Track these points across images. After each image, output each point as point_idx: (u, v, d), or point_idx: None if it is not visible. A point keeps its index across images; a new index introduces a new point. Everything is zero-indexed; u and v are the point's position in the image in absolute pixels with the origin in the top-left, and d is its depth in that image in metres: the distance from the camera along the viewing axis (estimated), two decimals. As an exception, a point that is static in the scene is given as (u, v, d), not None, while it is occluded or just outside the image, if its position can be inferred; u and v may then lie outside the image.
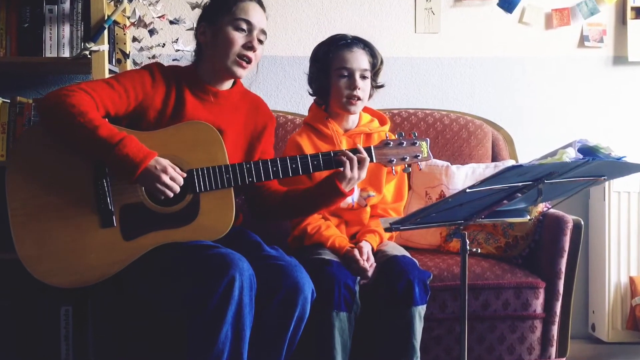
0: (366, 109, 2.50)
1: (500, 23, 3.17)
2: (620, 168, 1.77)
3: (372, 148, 2.14)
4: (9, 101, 2.60)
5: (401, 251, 2.34)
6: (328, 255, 2.26)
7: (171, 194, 1.99)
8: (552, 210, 2.54)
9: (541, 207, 2.54)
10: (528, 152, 2.95)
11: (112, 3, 2.60)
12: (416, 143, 2.15)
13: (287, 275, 1.98)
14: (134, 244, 2.02)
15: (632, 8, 3.16)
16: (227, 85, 2.24)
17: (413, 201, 2.73)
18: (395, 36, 3.16)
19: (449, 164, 2.75)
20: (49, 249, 2.00)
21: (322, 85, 2.42)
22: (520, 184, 1.72)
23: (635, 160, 1.75)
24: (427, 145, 2.16)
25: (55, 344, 2.57)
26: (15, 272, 2.07)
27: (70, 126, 1.96)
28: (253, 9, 2.18)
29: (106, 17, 2.54)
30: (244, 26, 2.15)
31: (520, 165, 1.62)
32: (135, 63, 2.81)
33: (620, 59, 3.20)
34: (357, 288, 2.18)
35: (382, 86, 2.48)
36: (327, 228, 2.36)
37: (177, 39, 2.81)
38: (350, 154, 2.10)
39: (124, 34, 2.77)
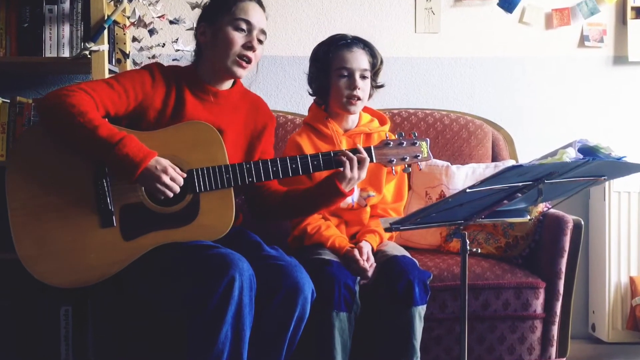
0: (366, 109, 2.50)
1: (501, 23, 3.17)
2: (621, 168, 1.77)
3: (372, 148, 2.14)
4: (8, 101, 2.59)
5: (401, 251, 2.34)
6: (328, 255, 2.26)
7: (171, 194, 1.99)
8: (552, 210, 2.54)
9: (541, 207, 2.54)
10: (528, 152, 2.95)
11: (112, 3, 2.60)
12: (416, 143, 2.15)
13: (287, 275, 1.98)
14: (133, 244, 2.02)
15: (633, 8, 3.16)
16: (227, 85, 2.24)
17: (413, 201, 2.73)
18: (395, 36, 3.15)
19: (449, 164, 2.75)
20: (49, 249, 2.00)
21: (322, 85, 2.42)
22: (520, 184, 1.72)
23: (635, 160, 1.75)
24: (427, 145, 2.15)
25: (55, 344, 2.57)
26: (15, 272, 2.07)
27: (70, 126, 1.95)
28: (253, 8, 2.17)
29: (106, 17, 2.54)
30: (244, 26, 2.15)
31: (521, 165, 1.62)
32: (135, 63, 2.80)
33: (620, 58, 3.19)
34: (357, 288, 2.18)
35: (382, 86, 2.48)
36: (327, 228, 2.36)
37: (177, 39, 2.81)
38: (350, 154, 2.10)
39: (124, 34, 2.77)
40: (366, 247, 2.30)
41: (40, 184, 2.02)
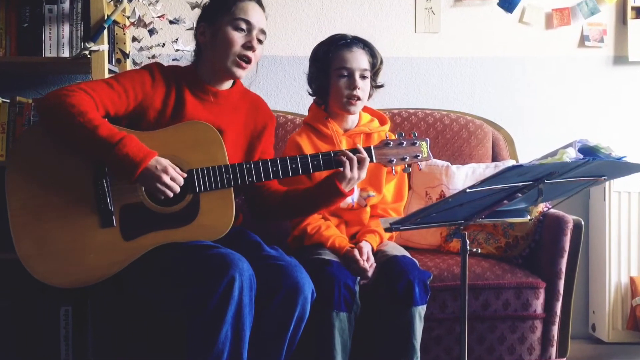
0: (366, 109, 2.50)
1: (501, 23, 3.17)
2: (621, 168, 1.77)
3: (372, 148, 2.14)
4: (8, 101, 2.59)
5: (401, 251, 2.34)
6: (328, 256, 2.26)
7: (171, 194, 1.99)
8: (552, 210, 2.54)
9: (541, 207, 2.54)
10: (528, 152, 2.95)
11: (112, 3, 2.60)
12: (416, 143, 2.15)
13: (287, 276, 1.98)
14: (133, 244, 2.02)
15: (633, 8, 3.16)
16: (227, 85, 2.24)
17: (413, 201, 2.73)
18: (395, 36, 3.15)
19: (449, 164, 2.75)
20: (48, 249, 2.00)
21: (321, 85, 2.41)
22: (520, 184, 1.72)
23: (636, 160, 1.75)
24: (427, 145, 2.15)
25: (55, 344, 2.57)
26: (15, 272, 2.07)
27: (70, 126, 1.95)
28: (252, 8, 2.17)
29: (106, 17, 2.54)
30: (244, 26, 2.15)
31: (521, 165, 1.62)
32: (135, 63, 2.80)
33: (620, 58, 3.19)
34: (357, 288, 2.18)
35: (382, 86, 2.48)
36: (327, 228, 2.36)
37: (177, 39, 2.81)
38: (350, 154, 2.10)
39: (124, 34, 2.76)
40: (366, 247, 2.30)
41: (40, 184, 2.02)
